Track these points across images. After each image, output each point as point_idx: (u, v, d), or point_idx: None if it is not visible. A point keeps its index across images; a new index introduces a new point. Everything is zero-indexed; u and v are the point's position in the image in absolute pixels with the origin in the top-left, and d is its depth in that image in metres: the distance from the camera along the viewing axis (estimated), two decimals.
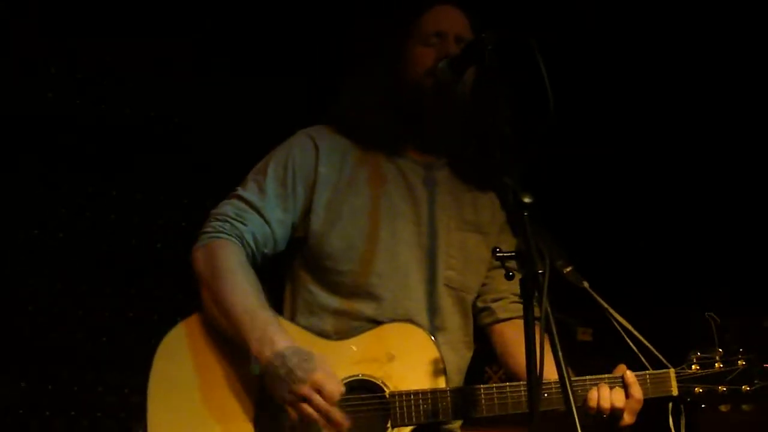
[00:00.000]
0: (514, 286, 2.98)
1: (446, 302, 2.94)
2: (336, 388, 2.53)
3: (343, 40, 4.18)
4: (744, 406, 2.80)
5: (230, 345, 2.73)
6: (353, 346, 2.78)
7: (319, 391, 2.51)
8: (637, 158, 5.03)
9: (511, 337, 3.05)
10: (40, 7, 4.25)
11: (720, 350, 2.81)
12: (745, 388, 2.77)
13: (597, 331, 4.74)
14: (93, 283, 4.26)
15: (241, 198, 2.90)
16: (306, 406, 2.50)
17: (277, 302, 2.96)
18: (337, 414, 2.52)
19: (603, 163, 5.04)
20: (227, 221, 2.85)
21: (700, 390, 2.78)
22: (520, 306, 2.98)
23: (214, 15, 4.52)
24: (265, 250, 2.90)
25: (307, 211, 2.92)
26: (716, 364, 2.80)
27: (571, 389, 2.11)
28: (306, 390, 2.50)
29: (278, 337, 2.59)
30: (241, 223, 2.85)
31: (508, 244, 2.93)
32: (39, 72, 4.26)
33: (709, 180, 4.89)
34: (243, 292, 2.71)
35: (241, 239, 2.84)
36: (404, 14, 3.04)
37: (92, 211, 4.32)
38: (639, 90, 4.94)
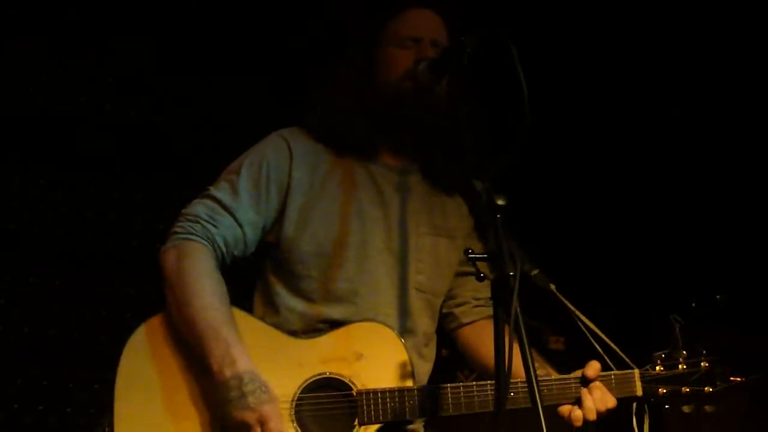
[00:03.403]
0: (477, 291, 3.09)
1: (416, 306, 2.95)
2: (279, 429, 2.55)
3: (318, 42, 4.20)
4: (706, 407, 2.85)
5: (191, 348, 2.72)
6: (321, 344, 2.78)
7: (263, 425, 2.53)
8: (605, 161, 5.08)
9: (474, 339, 3.11)
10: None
11: (684, 352, 2.86)
12: (708, 389, 2.83)
13: (569, 339, 4.78)
14: (66, 280, 4.24)
15: (213, 198, 2.87)
16: None
17: (247, 299, 2.97)
18: None
19: (571, 167, 5.09)
20: (198, 222, 2.82)
21: (664, 391, 2.83)
22: (483, 309, 3.10)
23: (191, 15, 4.51)
24: (235, 252, 2.88)
25: (279, 216, 2.91)
26: (680, 366, 2.85)
27: (538, 387, 2.14)
28: (252, 419, 2.53)
29: (240, 358, 2.59)
30: (213, 225, 2.82)
31: (475, 249, 2.96)
32: (24, 70, 4.25)
33: (673, 185, 4.95)
34: (209, 305, 2.68)
35: (212, 242, 2.81)
36: (379, 16, 3.03)
37: (67, 209, 4.31)
38: (609, 98, 4.99)
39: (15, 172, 4.22)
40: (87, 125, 4.39)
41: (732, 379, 2.82)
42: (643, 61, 4.85)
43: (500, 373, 2.18)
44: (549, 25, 4.68)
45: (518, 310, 2.14)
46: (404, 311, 2.91)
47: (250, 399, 2.53)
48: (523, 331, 2.16)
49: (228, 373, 2.56)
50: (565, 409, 2.80)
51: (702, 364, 2.85)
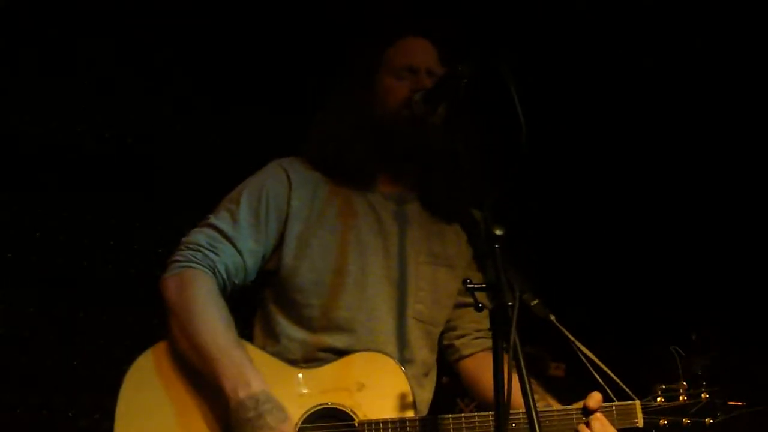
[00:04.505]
0: (478, 322, 3.08)
1: (415, 336, 2.95)
2: None
3: (315, 72, 4.22)
4: None
5: (197, 374, 2.73)
6: (322, 374, 2.78)
7: None
8: (605, 190, 5.08)
9: (476, 371, 3.11)
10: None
11: (684, 383, 2.86)
12: (708, 420, 2.83)
13: (570, 366, 4.77)
14: (65, 307, 4.24)
15: (213, 227, 2.89)
16: None
17: (247, 329, 2.98)
18: None
19: (571, 197, 5.09)
20: (200, 251, 2.84)
21: (665, 422, 2.83)
22: (483, 341, 3.10)
23: (190, 44, 4.55)
24: (236, 281, 2.90)
25: (278, 244, 2.93)
26: (681, 397, 2.84)
27: (537, 418, 2.13)
28: None
29: (253, 379, 2.61)
30: (214, 253, 2.84)
31: (474, 278, 2.97)
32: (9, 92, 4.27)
33: (675, 214, 4.95)
34: (216, 328, 2.70)
35: (213, 270, 2.83)
36: (374, 46, 3.06)
37: (66, 235, 4.31)
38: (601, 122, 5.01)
39: (10, 199, 4.22)
40: (85, 152, 4.39)
41: (731, 404, 2.82)
42: (644, 77, 4.87)
43: (499, 404, 2.18)
44: (542, 44, 4.70)
45: (517, 340, 2.14)
46: (403, 341, 2.91)
47: (268, 418, 2.55)
48: (522, 362, 2.15)
49: (243, 394, 2.58)
50: None
51: (702, 395, 2.85)
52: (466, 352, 3.13)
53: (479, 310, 2.38)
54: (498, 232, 2.28)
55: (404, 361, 2.87)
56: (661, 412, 2.83)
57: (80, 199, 4.35)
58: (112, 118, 4.48)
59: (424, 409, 2.94)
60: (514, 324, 2.15)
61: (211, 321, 2.72)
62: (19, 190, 4.24)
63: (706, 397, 2.84)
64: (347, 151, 2.97)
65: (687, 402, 2.84)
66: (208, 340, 2.67)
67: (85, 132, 4.42)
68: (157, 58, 4.51)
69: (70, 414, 4.13)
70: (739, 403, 2.84)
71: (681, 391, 2.85)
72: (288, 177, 2.98)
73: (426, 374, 3.01)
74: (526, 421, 2.15)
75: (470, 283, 2.37)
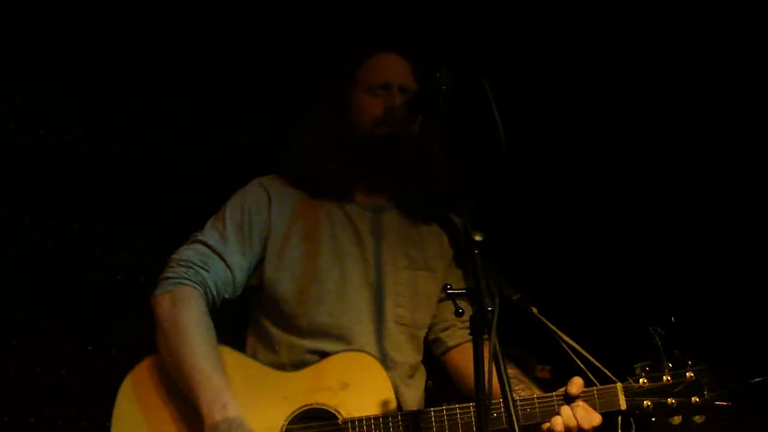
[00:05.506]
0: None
1: (398, 339, 2.98)
2: None
3: (293, 89, 4.20)
4: (696, 418, 2.80)
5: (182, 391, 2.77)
6: (306, 376, 2.81)
7: None
8: (581, 177, 5.09)
9: (462, 362, 3.13)
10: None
11: (670, 364, 2.82)
12: (695, 399, 2.78)
13: (555, 368, 4.79)
14: (53, 316, 4.23)
15: (203, 243, 2.95)
16: None
17: (240, 337, 3.03)
18: None
19: (551, 189, 5.10)
20: (191, 267, 2.89)
21: (649, 403, 2.79)
22: (468, 331, 3.08)
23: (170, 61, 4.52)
24: (226, 296, 2.95)
25: (261, 259, 2.98)
26: (664, 377, 2.80)
27: (514, 407, 2.17)
28: None
29: (230, 404, 2.65)
30: (204, 269, 2.89)
31: (455, 277, 3.05)
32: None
33: (651, 199, 4.96)
34: (198, 351, 2.74)
35: (204, 286, 2.88)
36: (348, 63, 3.10)
37: (54, 244, 4.29)
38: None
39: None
40: (70, 160, 4.37)
41: (719, 404, 2.79)
42: (627, 75, 4.85)
43: (481, 404, 2.19)
44: (533, 45, 4.68)
45: (497, 346, 2.15)
46: (386, 344, 2.94)
47: None
48: (502, 362, 2.18)
49: (218, 416, 2.62)
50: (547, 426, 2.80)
51: (687, 374, 2.80)
52: (452, 343, 3.16)
53: (459, 315, 2.38)
54: (477, 238, 2.28)
55: (388, 363, 2.90)
56: (644, 393, 2.79)
57: (68, 208, 4.34)
58: (105, 121, 4.46)
59: (413, 408, 2.96)
60: (494, 329, 2.17)
61: (195, 343, 2.75)
62: (2, 199, 4.21)
63: (692, 376, 2.79)
64: (322, 166, 3.01)
65: (671, 382, 2.79)
66: (191, 362, 2.71)
67: (76, 137, 4.39)
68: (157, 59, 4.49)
69: (58, 423, 4.14)
70: (725, 403, 2.82)
71: (665, 371, 2.80)
72: (268, 193, 3.04)
73: (411, 375, 3.03)
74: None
75: (450, 288, 2.39)
